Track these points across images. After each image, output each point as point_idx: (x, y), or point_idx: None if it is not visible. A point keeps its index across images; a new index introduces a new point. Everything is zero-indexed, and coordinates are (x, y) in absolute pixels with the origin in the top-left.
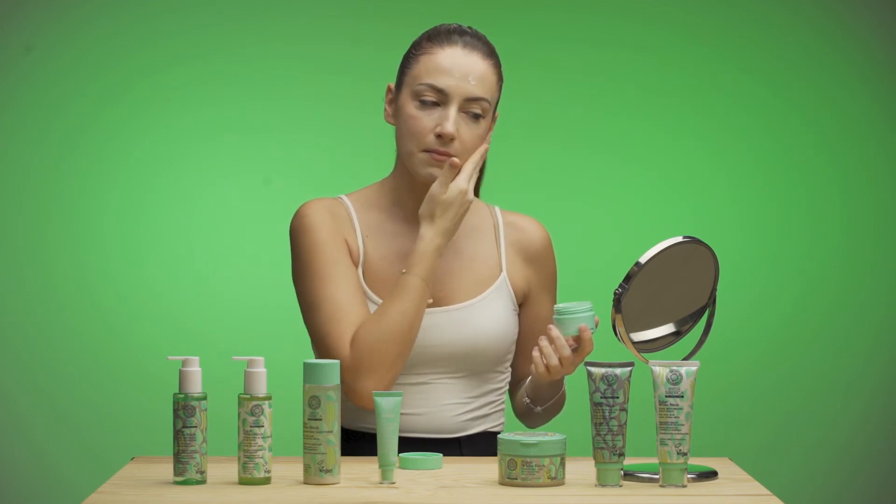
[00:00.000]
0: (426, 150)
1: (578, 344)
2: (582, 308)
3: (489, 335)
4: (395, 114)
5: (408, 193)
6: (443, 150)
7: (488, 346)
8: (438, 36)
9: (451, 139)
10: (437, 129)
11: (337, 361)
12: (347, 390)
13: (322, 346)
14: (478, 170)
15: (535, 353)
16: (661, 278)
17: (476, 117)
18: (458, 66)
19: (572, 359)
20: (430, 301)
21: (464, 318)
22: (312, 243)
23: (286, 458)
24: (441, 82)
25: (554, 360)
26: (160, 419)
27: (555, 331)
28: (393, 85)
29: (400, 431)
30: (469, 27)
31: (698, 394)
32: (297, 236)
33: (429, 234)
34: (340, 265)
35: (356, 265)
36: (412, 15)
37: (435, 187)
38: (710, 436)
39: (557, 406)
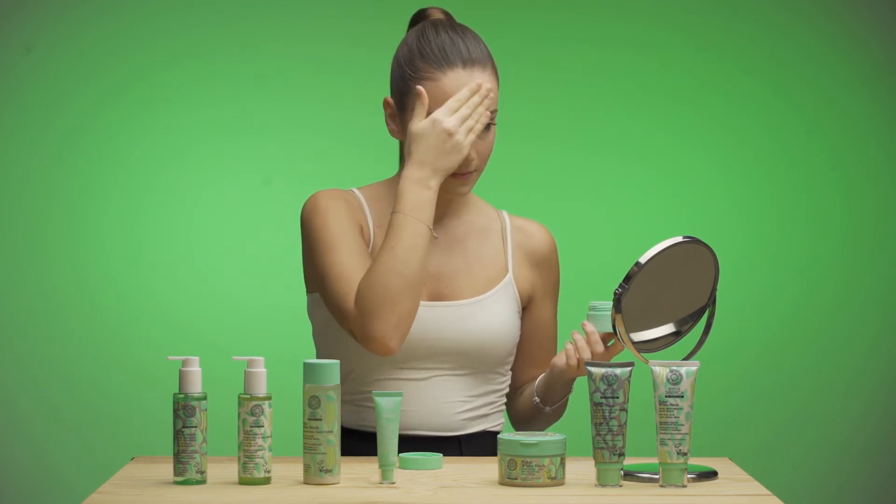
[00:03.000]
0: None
1: (609, 340)
2: None
3: (493, 333)
4: (404, 132)
5: None
6: (464, 170)
7: (491, 344)
8: (433, 54)
9: (471, 159)
10: None
11: (337, 362)
12: (362, 340)
13: (334, 311)
14: (472, 110)
15: (569, 347)
16: (661, 278)
17: (487, 126)
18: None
19: (604, 355)
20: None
21: (468, 314)
22: (323, 221)
23: (286, 458)
24: None
25: (587, 355)
26: (160, 419)
27: (589, 326)
28: (391, 99)
29: (400, 429)
30: (449, 20)
31: (698, 394)
32: (309, 218)
33: (407, 170)
34: (349, 236)
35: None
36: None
37: (410, 124)
38: (710, 436)
39: (561, 410)
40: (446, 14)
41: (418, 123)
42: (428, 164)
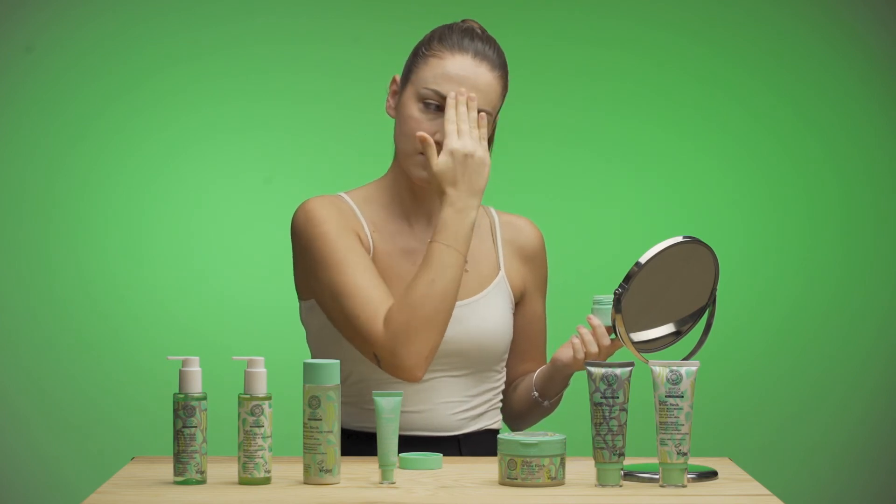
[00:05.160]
0: (423, 154)
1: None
2: None
3: (491, 332)
4: (397, 108)
5: (405, 190)
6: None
7: (489, 343)
8: (450, 39)
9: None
10: (437, 137)
11: (337, 362)
12: (389, 367)
13: (354, 331)
14: (465, 121)
15: (576, 341)
16: (661, 278)
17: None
18: (465, 77)
19: (609, 348)
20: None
21: (465, 315)
22: (324, 234)
23: (286, 458)
24: (446, 90)
25: (594, 348)
26: (160, 419)
27: (595, 320)
28: (399, 77)
29: (399, 430)
30: (482, 30)
31: (698, 394)
32: (306, 229)
33: (449, 197)
34: (355, 251)
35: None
36: (412, 15)
37: (430, 170)
38: (710, 436)
39: (556, 404)
40: (480, 27)
41: (438, 162)
42: (464, 190)
